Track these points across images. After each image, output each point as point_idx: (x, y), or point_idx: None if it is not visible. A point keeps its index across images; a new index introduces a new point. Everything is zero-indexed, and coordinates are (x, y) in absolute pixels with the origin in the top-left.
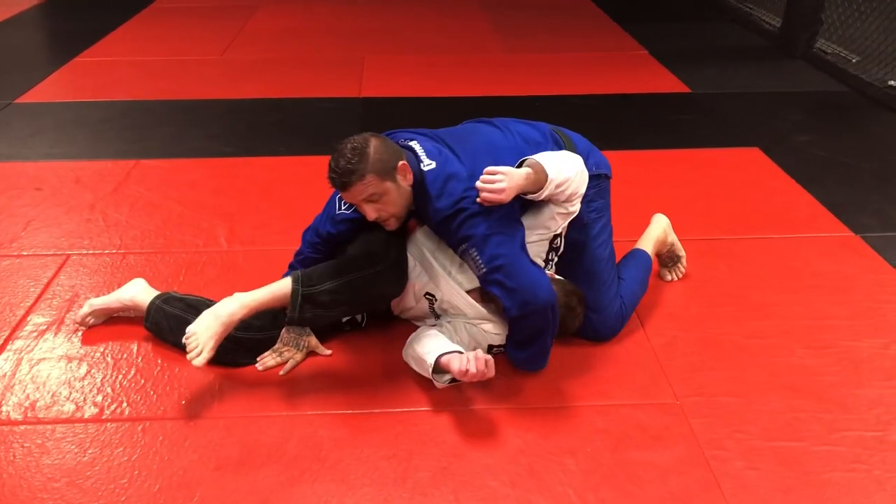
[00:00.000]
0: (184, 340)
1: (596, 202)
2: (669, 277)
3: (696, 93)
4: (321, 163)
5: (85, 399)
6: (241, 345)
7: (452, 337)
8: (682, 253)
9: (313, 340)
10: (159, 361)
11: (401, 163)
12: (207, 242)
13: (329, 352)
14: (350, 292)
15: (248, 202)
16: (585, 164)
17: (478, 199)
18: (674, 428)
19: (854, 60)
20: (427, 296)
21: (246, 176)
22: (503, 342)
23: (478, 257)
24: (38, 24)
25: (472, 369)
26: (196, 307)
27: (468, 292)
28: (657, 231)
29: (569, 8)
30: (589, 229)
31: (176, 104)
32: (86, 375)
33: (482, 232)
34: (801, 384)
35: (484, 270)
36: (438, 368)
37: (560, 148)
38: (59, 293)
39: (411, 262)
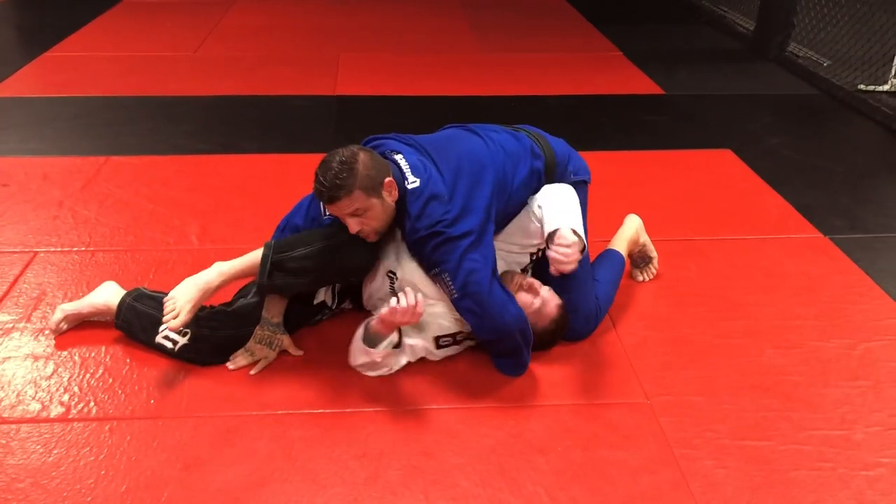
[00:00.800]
0: (164, 302)
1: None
2: (641, 278)
3: (669, 94)
4: (296, 161)
5: (51, 398)
6: (212, 343)
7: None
8: (654, 254)
9: (286, 340)
10: (128, 361)
11: (387, 179)
12: (178, 240)
13: (301, 352)
14: (319, 259)
15: (221, 200)
16: (564, 170)
17: (551, 270)
18: (644, 427)
19: (825, 64)
20: (389, 273)
21: (220, 173)
22: (452, 332)
23: (450, 282)
24: (9, 18)
25: (402, 304)
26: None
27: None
28: (629, 231)
29: (546, 9)
30: None
31: (149, 100)
32: (52, 374)
33: (455, 259)
34: (769, 384)
35: (455, 296)
36: (373, 339)
37: (539, 158)
38: (25, 291)
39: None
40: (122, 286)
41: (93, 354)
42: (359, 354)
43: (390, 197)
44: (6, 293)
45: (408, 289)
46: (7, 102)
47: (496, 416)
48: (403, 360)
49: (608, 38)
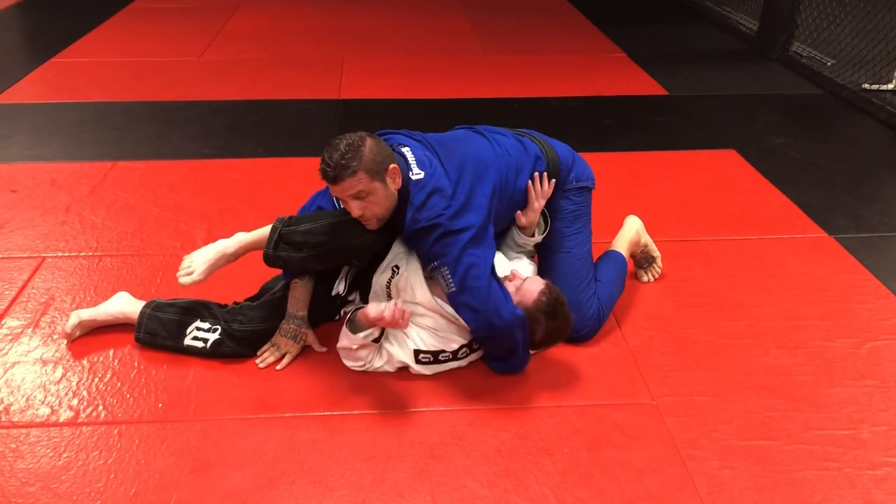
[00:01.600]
0: (183, 259)
1: (576, 210)
2: (646, 278)
3: (673, 95)
4: (300, 164)
5: (60, 402)
6: (243, 336)
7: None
8: (657, 254)
9: (311, 334)
10: (136, 364)
11: (392, 165)
12: (185, 245)
13: (325, 349)
14: (323, 235)
15: (226, 204)
16: (566, 176)
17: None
18: (650, 428)
19: (829, 63)
20: (394, 267)
21: (225, 178)
22: (434, 349)
23: (449, 276)
24: (15, 24)
25: (387, 315)
26: (191, 309)
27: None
28: (630, 233)
29: (549, 11)
30: (568, 232)
31: (154, 105)
32: (61, 379)
33: (455, 252)
34: (774, 384)
35: (453, 290)
36: (357, 326)
37: (543, 164)
38: (34, 296)
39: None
40: (130, 291)
41: (101, 359)
42: (342, 336)
43: (393, 184)
44: (15, 298)
45: (399, 301)
46: (14, 109)
47: (502, 417)
48: (378, 363)
49: (611, 39)
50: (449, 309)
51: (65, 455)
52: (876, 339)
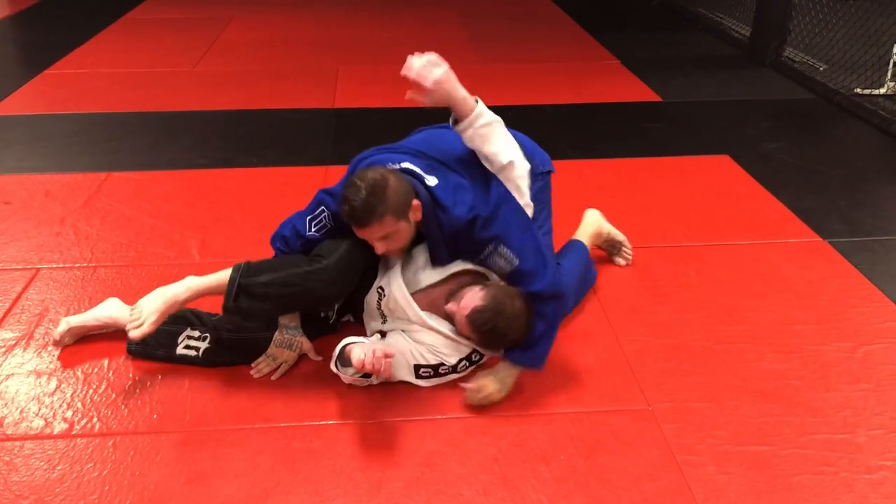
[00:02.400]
0: (129, 313)
1: (541, 195)
2: (622, 262)
3: (666, 101)
4: (295, 174)
5: (55, 414)
6: (234, 344)
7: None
8: (622, 237)
9: (306, 342)
10: (130, 376)
11: (415, 202)
12: (180, 255)
13: (320, 357)
14: (284, 288)
15: (221, 214)
16: (531, 161)
17: (402, 72)
18: (646, 434)
19: (821, 68)
20: (378, 289)
21: (219, 187)
22: (431, 362)
23: (508, 253)
24: (9, 35)
25: (367, 363)
26: (180, 317)
27: (414, 294)
28: (590, 226)
29: (542, 19)
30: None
31: (148, 116)
32: (55, 391)
33: (502, 228)
34: (770, 388)
35: (516, 263)
36: (346, 361)
37: None
38: (28, 308)
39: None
40: (126, 301)
41: (96, 370)
42: (332, 364)
43: (415, 217)
44: (9, 310)
45: (382, 348)
46: (8, 120)
47: (498, 425)
48: (377, 381)
49: (605, 46)
50: (442, 326)
51: (59, 467)
52: (871, 342)
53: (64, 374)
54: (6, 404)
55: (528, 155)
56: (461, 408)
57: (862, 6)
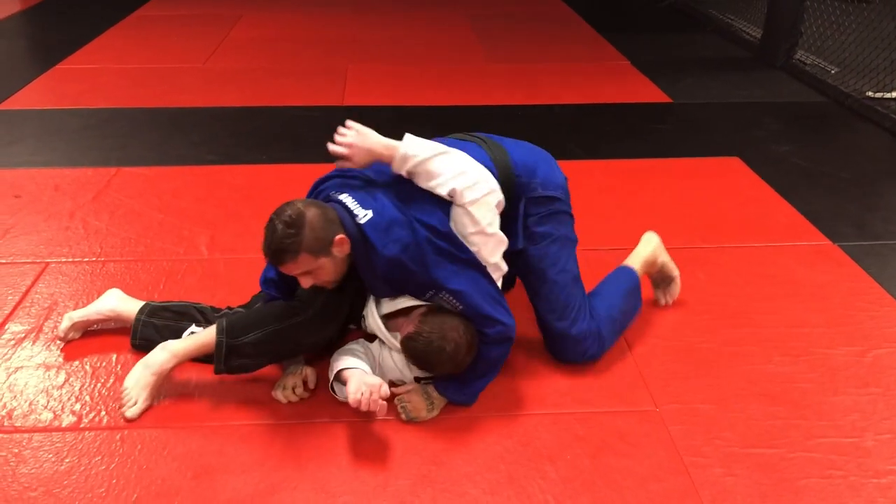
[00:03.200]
0: (121, 393)
1: (546, 226)
2: (663, 301)
3: (676, 103)
4: (303, 171)
5: (63, 407)
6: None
7: (372, 361)
8: (676, 273)
9: (310, 374)
10: None
11: (338, 237)
12: (188, 250)
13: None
14: (273, 343)
15: (229, 210)
16: (528, 182)
17: (330, 148)
18: (653, 435)
19: (833, 71)
20: (363, 314)
21: (228, 184)
22: (403, 379)
23: (450, 298)
24: (20, 31)
25: (363, 404)
26: (184, 313)
27: (385, 317)
28: (646, 249)
29: (553, 19)
30: (544, 255)
31: (158, 112)
32: (64, 384)
33: (439, 274)
34: (777, 391)
35: (461, 308)
36: (340, 381)
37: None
38: (37, 301)
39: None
40: (134, 296)
41: (104, 364)
42: (329, 388)
43: (341, 251)
44: (18, 303)
45: (382, 388)
46: (19, 114)
47: (505, 424)
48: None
49: (615, 47)
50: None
51: (67, 460)
52: (879, 346)
53: (72, 368)
54: (15, 397)
55: (527, 176)
56: (467, 407)
57: (874, 8)
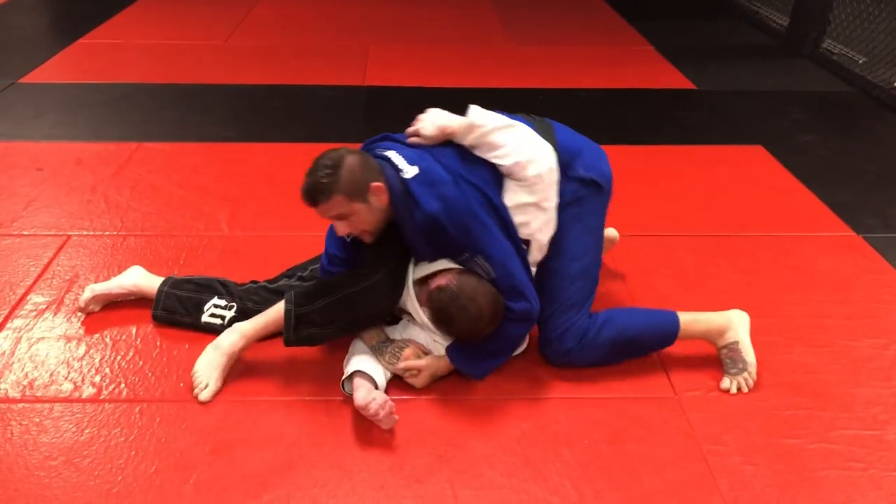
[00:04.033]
0: (192, 376)
1: (573, 208)
2: (726, 385)
3: (701, 90)
4: (323, 150)
5: (83, 379)
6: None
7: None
8: (751, 359)
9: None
10: (158, 343)
11: (374, 184)
12: (209, 227)
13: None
14: (343, 308)
15: (250, 188)
16: (571, 161)
17: (408, 138)
18: (672, 422)
19: (860, 61)
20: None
21: (249, 161)
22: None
23: (484, 263)
24: (43, 5)
25: (370, 411)
26: (207, 286)
27: (418, 285)
28: (719, 319)
29: (576, 3)
30: (560, 239)
31: (180, 88)
32: (84, 355)
33: (479, 236)
34: (799, 382)
35: (493, 275)
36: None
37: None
38: (59, 273)
39: None
40: (154, 271)
41: (124, 337)
42: (341, 386)
43: (378, 201)
44: (40, 275)
45: (387, 404)
46: (41, 88)
47: (522, 407)
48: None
49: (639, 32)
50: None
51: (87, 431)
52: None
53: (92, 340)
54: (36, 367)
55: (569, 156)
56: (485, 389)
57: None
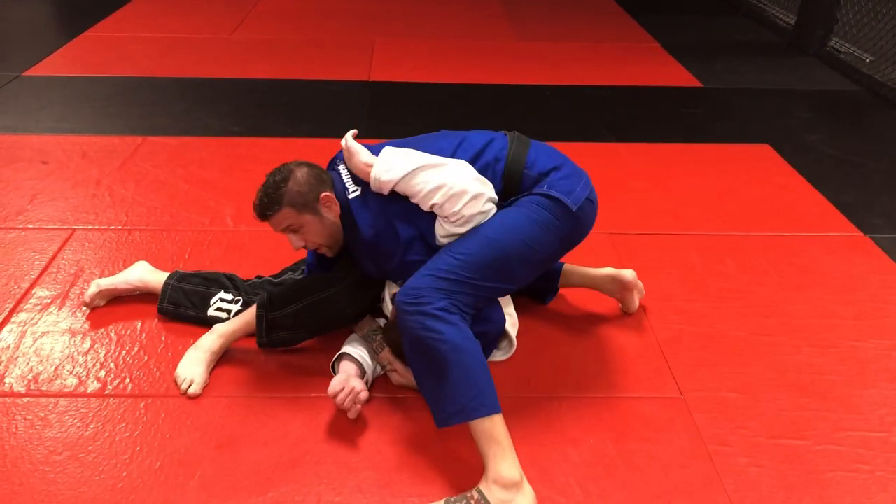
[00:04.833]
0: (175, 378)
1: (526, 203)
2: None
3: (707, 87)
4: (329, 145)
5: (88, 374)
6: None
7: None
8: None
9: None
10: (163, 339)
11: (324, 194)
12: (214, 221)
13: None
14: (310, 314)
15: (255, 182)
16: (533, 182)
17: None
18: (677, 422)
19: (868, 60)
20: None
21: (254, 156)
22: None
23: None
24: None
25: (339, 399)
26: (214, 280)
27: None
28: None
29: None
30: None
31: (185, 82)
32: (89, 350)
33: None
34: (805, 382)
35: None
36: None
37: (500, 161)
38: (63, 267)
39: None
40: (159, 265)
41: (129, 332)
42: (331, 368)
43: (330, 212)
44: (45, 269)
45: (359, 390)
46: (46, 81)
47: (528, 406)
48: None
49: (646, 28)
50: None
51: (92, 426)
52: None
53: (97, 335)
54: (41, 361)
55: (534, 170)
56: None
57: None
